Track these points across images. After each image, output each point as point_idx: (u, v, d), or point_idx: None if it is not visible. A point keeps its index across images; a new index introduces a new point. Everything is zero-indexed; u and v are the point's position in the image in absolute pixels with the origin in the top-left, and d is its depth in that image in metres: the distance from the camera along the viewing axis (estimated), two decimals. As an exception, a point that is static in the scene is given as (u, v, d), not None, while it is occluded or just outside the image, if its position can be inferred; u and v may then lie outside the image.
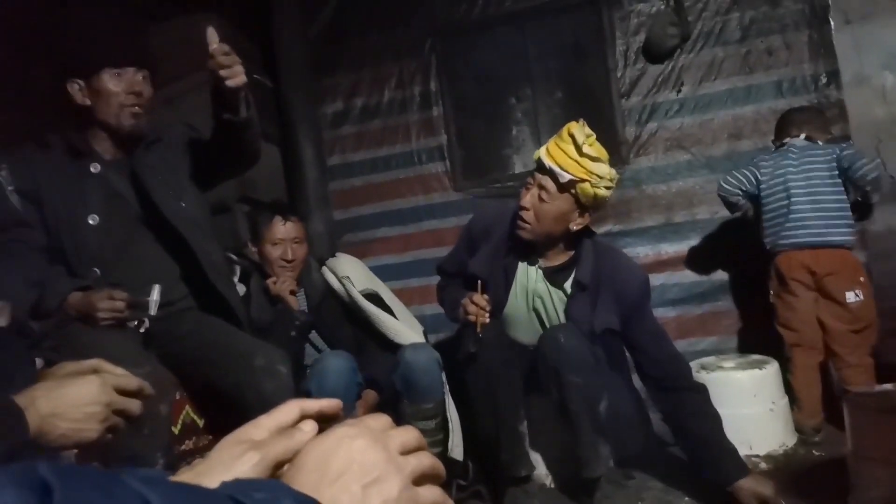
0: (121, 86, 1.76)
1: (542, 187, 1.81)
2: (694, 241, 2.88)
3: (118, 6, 2.46)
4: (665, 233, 2.91)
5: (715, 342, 2.85)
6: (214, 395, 1.78)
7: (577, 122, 1.81)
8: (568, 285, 1.94)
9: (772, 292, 2.39)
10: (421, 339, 2.17)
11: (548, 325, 2.02)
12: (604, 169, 1.77)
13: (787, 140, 2.38)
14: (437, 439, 2.03)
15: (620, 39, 2.92)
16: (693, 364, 2.31)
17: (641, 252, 2.91)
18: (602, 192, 1.78)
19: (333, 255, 2.48)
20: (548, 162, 1.78)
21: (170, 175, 1.85)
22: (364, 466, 0.45)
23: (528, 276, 1.98)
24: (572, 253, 1.94)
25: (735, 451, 1.82)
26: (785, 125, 2.42)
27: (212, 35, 1.58)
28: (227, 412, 1.75)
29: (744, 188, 2.40)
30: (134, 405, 0.97)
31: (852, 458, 1.55)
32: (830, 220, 2.25)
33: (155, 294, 1.67)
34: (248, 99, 1.69)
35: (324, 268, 2.34)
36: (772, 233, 2.36)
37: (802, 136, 2.35)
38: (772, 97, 2.73)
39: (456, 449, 2.05)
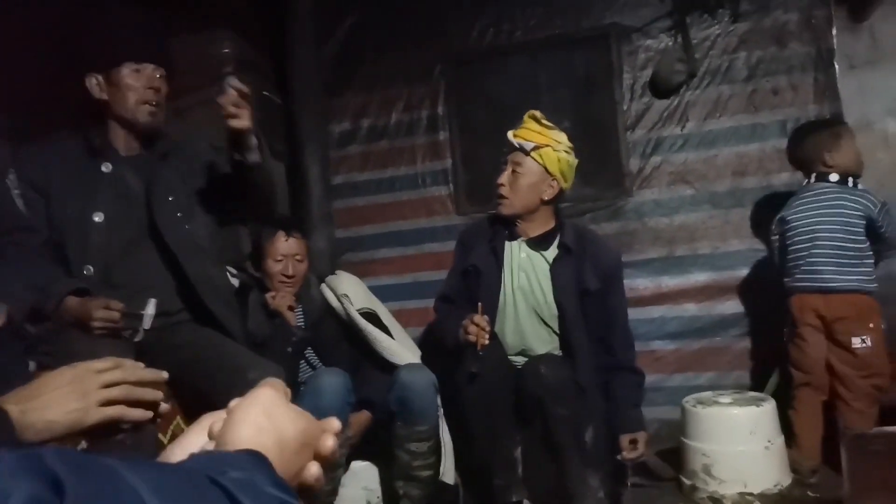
0: (140, 81, 1.78)
1: (514, 163, 2.11)
2: (695, 276, 2.88)
3: (140, 5, 2.50)
4: (666, 266, 2.91)
5: (713, 377, 2.83)
6: (207, 406, 1.76)
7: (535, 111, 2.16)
8: (549, 252, 2.14)
9: (785, 331, 2.38)
10: (417, 361, 2.16)
11: (535, 307, 2.13)
12: (561, 136, 2.13)
13: (815, 177, 2.34)
14: (429, 462, 2.02)
15: (628, 73, 2.96)
16: (689, 398, 2.30)
17: (641, 284, 2.91)
18: (563, 155, 2.09)
19: (333, 273, 2.49)
20: (516, 140, 2.11)
21: (181, 193, 1.86)
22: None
23: (513, 252, 2.17)
24: (553, 225, 2.18)
25: (639, 415, 2.10)
26: (806, 157, 2.37)
27: (233, 84, 1.62)
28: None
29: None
30: (118, 372, 0.93)
31: (849, 500, 1.53)
32: (849, 265, 2.22)
33: (150, 308, 1.67)
34: (260, 147, 1.72)
35: (323, 285, 2.34)
36: (790, 274, 2.35)
37: (833, 175, 2.31)
38: (776, 136, 2.75)
39: (448, 473, 2.03)
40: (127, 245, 1.79)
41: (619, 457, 2.05)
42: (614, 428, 2.05)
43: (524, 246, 2.18)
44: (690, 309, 2.88)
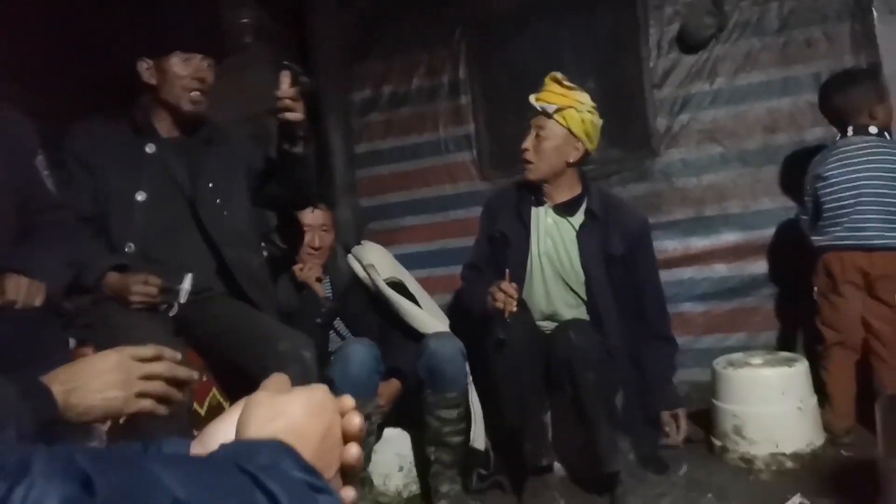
0: (187, 70, 1.83)
1: (538, 126, 2.09)
2: (724, 236, 2.83)
3: None
4: (695, 226, 2.86)
5: (744, 338, 2.80)
6: (239, 376, 1.81)
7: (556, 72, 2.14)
8: (576, 218, 2.12)
9: (816, 290, 2.30)
10: (445, 329, 2.18)
11: (562, 273, 2.13)
12: (584, 96, 2.10)
13: (853, 130, 2.23)
14: (459, 428, 2.05)
15: (654, 29, 2.87)
16: (720, 360, 2.28)
17: (670, 246, 2.87)
18: (587, 116, 2.07)
19: (359, 243, 2.50)
20: (538, 104, 2.08)
21: (223, 181, 1.91)
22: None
23: (539, 217, 2.16)
24: (579, 190, 2.15)
25: (675, 390, 2.14)
26: (850, 108, 2.25)
27: (284, 78, 1.69)
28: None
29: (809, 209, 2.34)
30: (158, 366, 0.98)
31: (883, 460, 1.52)
32: (892, 220, 2.14)
33: (186, 283, 1.71)
34: (306, 138, 1.78)
35: (349, 255, 2.36)
36: (826, 231, 2.25)
37: (873, 127, 2.20)
38: (810, 90, 2.65)
39: (478, 439, 2.06)
40: (167, 225, 1.85)
41: (662, 441, 2.07)
42: (647, 401, 2.06)
43: (550, 212, 2.17)
44: (720, 270, 2.84)
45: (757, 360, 2.21)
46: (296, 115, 1.69)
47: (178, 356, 1.01)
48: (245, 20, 2.92)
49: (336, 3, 3.20)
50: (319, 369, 1.99)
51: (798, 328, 2.69)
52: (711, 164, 2.83)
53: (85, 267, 1.68)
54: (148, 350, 0.96)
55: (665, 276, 2.79)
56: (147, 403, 0.92)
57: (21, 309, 1.39)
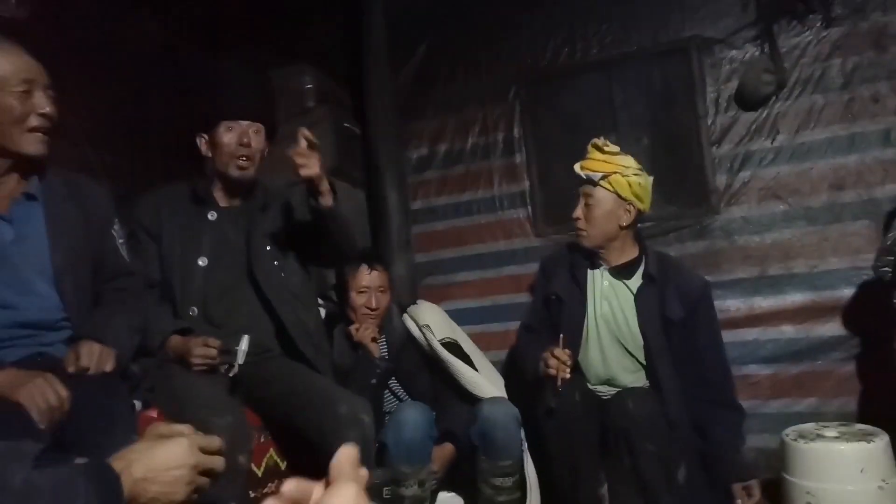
0: (231, 138, 1.92)
1: (586, 195, 2.10)
2: (790, 296, 2.72)
3: (242, 61, 2.67)
4: (759, 286, 2.76)
5: (814, 404, 2.66)
6: (298, 439, 1.82)
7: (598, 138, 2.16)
8: (633, 281, 2.10)
9: None
10: (501, 393, 2.15)
11: (619, 336, 2.09)
12: (628, 160, 2.10)
13: None
14: (514, 497, 2.00)
15: (711, 86, 2.84)
16: (790, 430, 2.17)
17: (732, 306, 2.78)
18: (633, 179, 2.07)
19: (415, 302, 2.51)
20: (583, 173, 2.11)
21: (278, 243, 1.98)
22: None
23: (595, 280, 2.15)
24: (636, 253, 2.15)
25: (745, 460, 2.06)
26: None
27: (301, 135, 1.73)
28: (310, 455, 1.79)
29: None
30: (218, 463, 1.00)
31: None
32: None
33: (244, 344, 1.75)
34: (334, 192, 1.82)
35: (405, 315, 2.37)
36: None
37: None
38: (878, 146, 2.57)
39: (533, 508, 2.00)
40: (227, 288, 1.92)
41: None
42: (716, 473, 1.97)
43: (607, 274, 2.15)
44: (787, 331, 2.72)
45: (831, 433, 2.09)
46: (309, 171, 1.73)
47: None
48: (309, 86, 3.05)
49: (392, 65, 3.30)
50: (376, 430, 1.99)
51: (873, 396, 2.54)
52: (774, 221, 2.75)
53: (150, 331, 1.75)
54: (214, 442, 0.98)
55: (728, 336, 2.69)
56: (195, 496, 0.94)
57: (93, 375, 1.44)
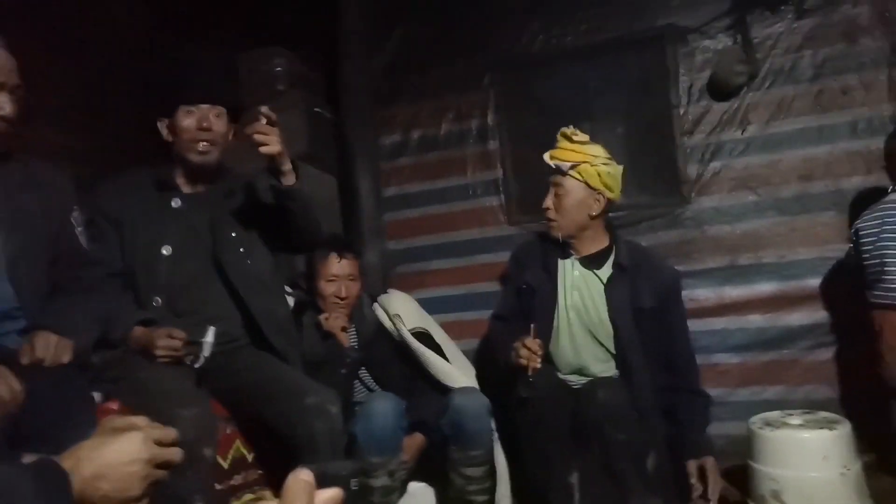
0: (191, 122, 1.86)
1: (556, 185, 2.10)
2: (760, 286, 2.75)
3: (205, 43, 2.60)
4: (729, 275, 2.78)
5: (781, 392, 2.69)
6: (265, 430, 1.80)
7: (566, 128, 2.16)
8: (603, 271, 2.10)
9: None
10: (472, 383, 2.14)
11: (590, 326, 2.10)
12: (597, 149, 2.10)
13: None
14: (484, 487, 2.00)
15: (685, 76, 2.84)
16: (756, 419, 2.19)
17: (702, 295, 2.80)
18: (603, 168, 2.07)
19: (385, 291, 2.49)
20: (552, 162, 2.11)
21: (244, 230, 1.93)
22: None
23: (566, 270, 2.15)
24: (607, 243, 2.15)
25: (706, 440, 2.05)
26: None
27: (260, 112, 1.69)
28: (277, 446, 1.77)
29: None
30: (175, 454, 0.96)
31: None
32: None
33: (209, 336, 1.72)
34: (296, 170, 1.77)
35: (375, 304, 2.35)
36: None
37: None
38: (846, 138, 2.59)
39: (504, 498, 2.01)
40: (192, 277, 1.87)
41: (694, 496, 1.98)
42: (679, 454, 1.99)
43: (577, 264, 2.15)
44: (756, 320, 2.75)
45: (796, 421, 2.12)
46: (269, 148, 1.69)
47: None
48: (279, 69, 2.98)
49: (366, 50, 3.25)
50: (345, 420, 1.97)
51: (839, 384, 2.59)
52: (745, 211, 2.77)
53: (112, 322, 1.70)
54: (169, 434, 0.95)
55: (698, 325, 2.74)
56: (150, 490, 0.91)
57: (49, 366, 1.40)
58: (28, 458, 0.89)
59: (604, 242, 2.15)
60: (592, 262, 2.13)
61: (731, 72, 2.70)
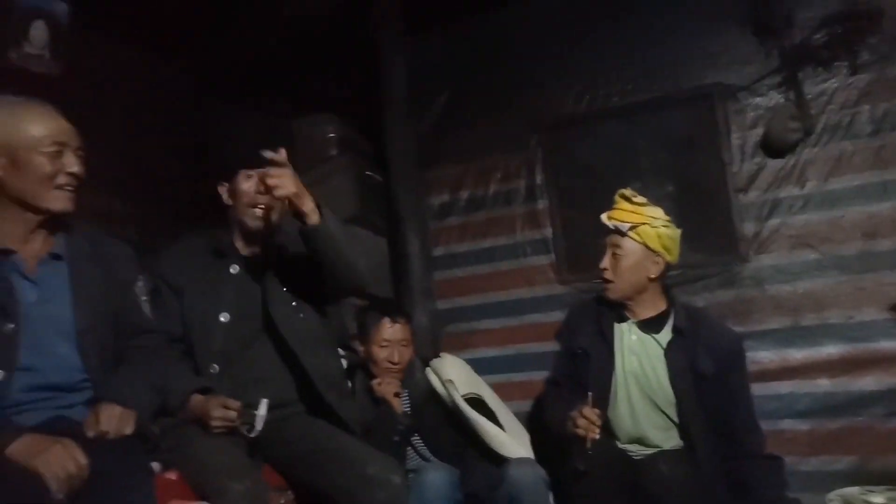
0: (251, 185, 1.90)
1: (613, 245, 2.08)
2: (826, 348, 2.62)
3: (260, 110, 2.69)
4: (792, 337, 2.67)
5: (855, 462, 2.53)
6: (321, 498, 1.77)
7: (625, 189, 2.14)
8: (662, 335, 2.05)
9: None
10: (527, 452, 2.08)
11: (649, 393, 2.02)
12: (657, 211, 2.10)
13: None
14: (542, 563, 1.91)
15: (736, 133, 2.81)
16: (834, 495, 2.07)
17: (765, 357, 2.68)
18: (662, 230, 2.05)
19: (436, 353, 2.47)
20: (611, 223, 2.09)
21: (298, 287, 1.92)
22: None
23: (622, 334, 2.10)
24: (664, 306, 2.10)
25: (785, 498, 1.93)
26: None
27: (267, 155, 1.71)
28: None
29: None
30: None
31: None
32: None
33: (262, 409, 1.72)
34: (320, 210, 1.75)
35: (427, 369, 2.33)
36: None
37: None
38: (912, 194, 2.51)
39: (563, 575, 1.91)
40: (247, 342, 1.88)
41: None
42: None
43: (634, 328, 2.09)
44: (823, 384, 2.61)
45: (878, 499, 1.98)
46: (283, 191, 1.68)
47: None
48: (331, 135, 3.07)
49: (413, 114, 3.32)
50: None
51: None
52: (806, 270, 2.67)
53: (170, 390, 1.72)
54: None
55: (762, 389, 2.62)
56: None
57: (112, 438, 1.41)
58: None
59: (661, 306, 2.10)
60: (650, 326, 2.07)
61: (785, 129, 2.66)
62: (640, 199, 2.11)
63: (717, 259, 2.85)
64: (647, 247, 2.05)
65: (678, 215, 2.93)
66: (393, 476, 1.65)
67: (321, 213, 1.75)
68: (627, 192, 2.12)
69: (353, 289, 2.04)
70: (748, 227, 2.77)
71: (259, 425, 1.72)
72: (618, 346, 2.09)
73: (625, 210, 2.09)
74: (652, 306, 2.09)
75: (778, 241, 2.72)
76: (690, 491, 1.76)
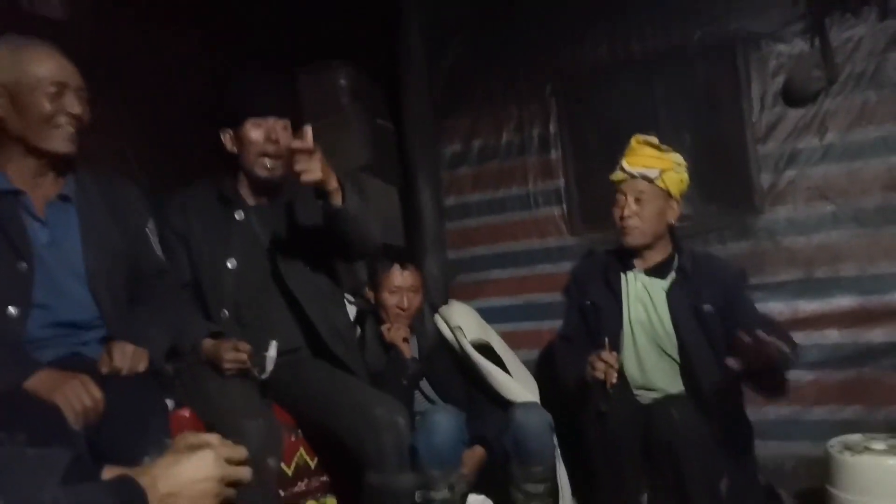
0: (259, 134, 1.89)
1: (637, 191, 2.04)
2: (837, 300, 2.61)
3: (268, 58, 2.66)
4: (804, 289, 2.65)
5: (860, 412, 2.55)
6: (329, 438, 1.82)
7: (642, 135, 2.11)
8: (667, 280, 2.06)
9: None
10: (534, 397, 2.11)
11: (656, 339, 2.03)
12: (678, 156, 2.10)
13: None
14: (546, 503, 1.96)
15: (757, 82, 2.73)
16: (834, 441, 2.08)
17: (775, 308, 2.67)
18: (684, 175, 2.07)
19: (447, 302, 2.49)
20: (636, 169, 2.04)
21: (306, 241, 1.94)
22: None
23: (629, 284, 2.10)
24: (670, 251, 2.11)
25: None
26: None
27: (293, 145, 1.66)
28: (341, 454, 1.79)
29: None
30: (245, 473, 0.99)
31: None
32: None
33: (272, 350, 1.75)
34: (344, 192, 1.75)
35: (436, 316, 2.35)
36: None
37: None
38: (937, 145, 2.45)
39: (565, 515, 1.96)
40: (256, 289, 1.91)
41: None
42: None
43: (641, 276, 2.10)
44: (833, 336, 2.61)
45: (880, 446, 2.00)
46: (310, 176, 1.66)
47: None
48: (342, 81, 3.03)
49: (426, 62, 3.27)
50: (409, 433, 1.97)
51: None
52: (822, 223, 2.64)
53: (183, 333, 1.75)
54: (240, 452, 0.97)
55: (770, 341, 2.63)
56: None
57: (126, 375, 1.45)
58: (108, 471, 0.93)
59: (668, 251, 2.11)
60: (656, 272, 2.08)
61: (807, 77, 2.58)
62: (662, 145, 2.09)
63: (732, 211, 2.82)
64: (669, 193, 2.04)
65: (695, 166, 2.90)
66: (398, 418, 1.69)
67: (344, 194, 1.76)
68: (652, 139, 2.08)
69: (362, 257, 2.07)
70: (764, 179, 2.73)
71: (270, 366, 1.77)
72: (625, 296, 2.09)
73: (649, 156, 2.06)
74: (660, 252, 2.10)
75: (794, 193, 2.68)
76: (700, 437, 1.77)
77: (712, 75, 2.88)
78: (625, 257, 2.12)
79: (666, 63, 2.94)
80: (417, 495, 1.74)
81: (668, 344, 2.03)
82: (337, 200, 1.75)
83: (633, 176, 2.05)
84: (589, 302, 2.12)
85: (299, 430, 1.91)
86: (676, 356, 2.04)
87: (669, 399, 1.94)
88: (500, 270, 3.25)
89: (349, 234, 1.85)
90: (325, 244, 1.95)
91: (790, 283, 2.69)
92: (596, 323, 2.08)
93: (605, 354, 1.84)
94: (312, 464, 1.94)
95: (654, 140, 2.08)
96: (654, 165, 2.04)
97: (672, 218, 2.08)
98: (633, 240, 2.06)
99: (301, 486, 1.90)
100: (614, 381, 1.81)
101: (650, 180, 2.03)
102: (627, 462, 1.85)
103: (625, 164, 2.08)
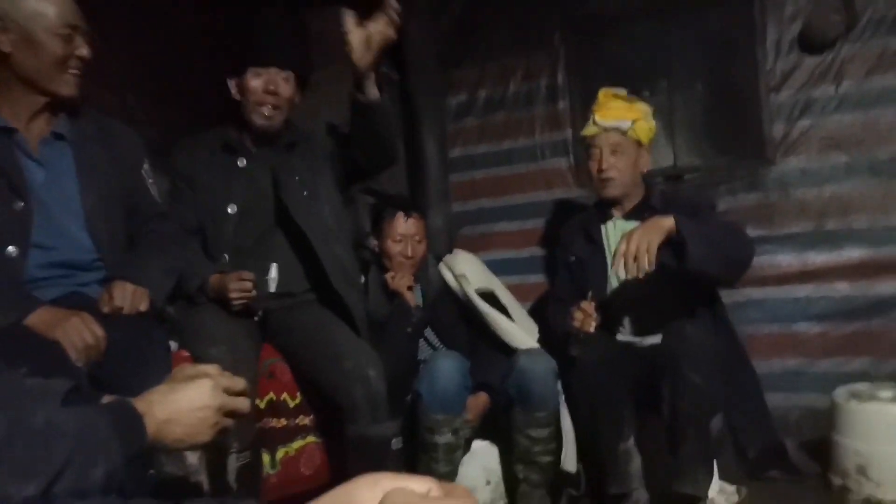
0: (259, 84, 1.87)
1: (612, 144, 2.09)
2: (847, 252, 2.57)
3: (277, 5, 2.60)
4: (814, 241, 2.61)
5: (866, 364, 2.53)
6: (310, 386, 1.87)
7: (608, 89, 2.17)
8: (643, 219, 2.01)
9: None
10: (537, 344, 2.11)
11: None
12: (645, 105, 2.16)
13: None
14: (549, 448, 1.97)
15: (773, 28, 2.64)
16: (841, 390, 2.08)
17: (784, 261, 2.64)
18: (652, 123, 2.15)
19: (451, 251, 2.47)
20: (609, 122, 2.10)
21: (310, 178, 1.95)
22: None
23: (608, 233, 2.16)
24: (643, 194, 2.18)
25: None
26: None
27: (347, 20, 1.69)
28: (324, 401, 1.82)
29: None
30: (243, 404, 0.99)
31: None
32: None
33: (273, 272, 1.79)
34: (380, 85, 1.77)
35: (441, 264, 2.33)
36: None
37: None
38: (956, 95, 2.37)
39: (569, 460, 1.98)
40: (257, 234, 1.91)
41: None
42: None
43: (619, 223, 2.15)
44: (842, 288, 2.58)
45: (886, 394, 1.99)
46: (358, 57, 1.69)
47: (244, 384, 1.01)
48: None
49: (431, 9, 3.18)
50: (410, 380, 1.98)
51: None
52: (835, 174, 2.58)
53: (188, 274, 1.76)
54: (238, 383, 0.97)
55: (779, 293, 2.63)
56: (219, 435, 0.94)
57: (127, 315, 1.45)
58: (107, 400, 0.92)
59: (641, 195, 2.18)
60: (633, 215, 2.13)
61: (826, 23, 2.50)
62: (628, 95, 2.15)
63: (744, 162, 2.76)
64: (639, 142, 2.11)
65: (706, 115, 2.84)
66: (369, 370, 1.71)
67: (382, 89, 1.79)
68: (619, 91, 2.15)
69: (386, 163, 2.05)
70: (777, 129, 2.66)
71: (272, 287, 1.82)
72: (606, 246, 2.15)
73: (620, 108, 2.12)
74: (636, 197, 2.16)
75: (807, 143, 2.62)
76: (707, 357, 1.77)
77: (727, 21, 2.80)
78: (603, 208, 2.19)
79: (679, 9, 2.85)
80: (397, 442, 1.74)
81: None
82: (374, 91, 1.75)
83: (606, 129, 2.11)
84: (573, 258, 2.20)
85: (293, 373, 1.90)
86: None
87: (686, 320, 1.92)
88: (506, 223, 3.22)
89: (380, 132, 1.85)
90: (328, 177, 1.92)
91: (800, 235, 2.64)
92: (582, 277, 2.15)
93: (584, 303, 1.93)
94: (293, 403, 1.91)
95: (623, 92, 2.14)
96: (625, 117, 2.10)
97: (645, 167, 2.16)
98: (613, 191, 2.13)
99: (273, 422, 1.86)
100: (591, 329, 1.88)
101: (623, 132, 2.09)
102: (604, 410, 1.86)
103: (597, 117, 2.13)
